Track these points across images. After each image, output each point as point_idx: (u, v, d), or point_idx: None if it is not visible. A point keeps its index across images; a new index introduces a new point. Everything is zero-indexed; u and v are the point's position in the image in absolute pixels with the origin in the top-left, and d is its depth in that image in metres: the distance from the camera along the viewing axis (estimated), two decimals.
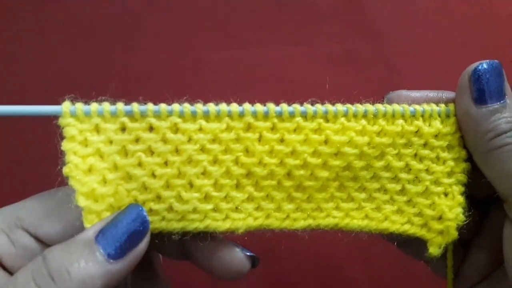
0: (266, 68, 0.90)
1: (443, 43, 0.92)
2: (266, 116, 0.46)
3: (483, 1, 0.93)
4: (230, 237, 0.49)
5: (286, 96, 0.49)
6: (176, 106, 0.44)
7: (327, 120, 0.47)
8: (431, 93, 0.51)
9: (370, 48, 0.92)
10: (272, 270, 0.85)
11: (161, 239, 0.46)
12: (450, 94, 0.50)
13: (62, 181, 0.43)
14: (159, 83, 0.88)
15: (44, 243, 0.44)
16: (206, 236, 0.47)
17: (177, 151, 0.45)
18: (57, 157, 0.43)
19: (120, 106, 0.44)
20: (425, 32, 0.92)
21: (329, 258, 0.87)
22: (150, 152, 0.45)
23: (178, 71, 0.89)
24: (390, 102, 0.50)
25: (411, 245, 0.53)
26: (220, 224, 0.46)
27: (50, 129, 0.44)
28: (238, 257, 0.48)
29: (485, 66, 0.46)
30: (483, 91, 0.45)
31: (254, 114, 0.46)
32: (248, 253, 0.49)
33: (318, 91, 0.50)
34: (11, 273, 0.43)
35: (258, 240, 0.49)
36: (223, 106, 0.45)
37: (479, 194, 0.50)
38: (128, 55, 0.90)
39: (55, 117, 0.43)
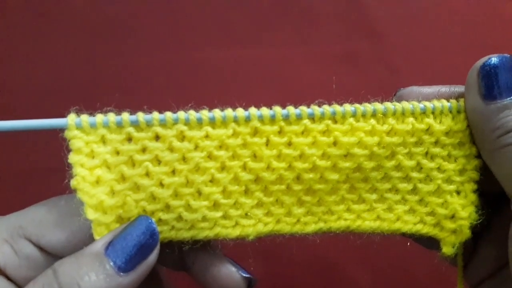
0: (266, 69, 0.89)
1: (443, 43, 0.90)
2: (272, 119, 0.45)
3: (483, 1, 0.91)
4: (239, 244, 0.49)
5: (287, 97, 0.48)
6: (181, 114, 0.44)
7: (335, 121, 0.46)
8: (443, 88, 0.49)
9: (371, 48, 0.91)
10: (272, 270, 0.85)
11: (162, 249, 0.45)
12: (462, 89, 0.48)
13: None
14: (162, 85, 0.86)
15: (48, 253, 0.44)
16: (217, 245, 0.47)
17: (184, 159, 0.44)
18: (65, 169, 0.43)
19: (126, 116, 0.43)
20: (425, 32, 0.91)
21: (329, 258, 0.87)
22: (157, 161, 0.44)
23: (180, 73, 0.88)
24: (401, 99, 0.49)
25: (425, 239, 0.52)
26: (230, 231, 0.46)
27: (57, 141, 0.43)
28: (233, 277, 0.48)
29: (495, 60, 0.44)
30: (492, 87, 0.44)
31: (261, 118, 0.45)
32: (244, 274, 0.48)
33: (319, 91, 0.49)
34: (15, 283, 0.43)
35: (258, 241, 0.49)
36: (228, 112, 0.45)
37: (491, 189, 0.49)
38: (130, 59, 0.89)
39: (61, 129, 0.43)
